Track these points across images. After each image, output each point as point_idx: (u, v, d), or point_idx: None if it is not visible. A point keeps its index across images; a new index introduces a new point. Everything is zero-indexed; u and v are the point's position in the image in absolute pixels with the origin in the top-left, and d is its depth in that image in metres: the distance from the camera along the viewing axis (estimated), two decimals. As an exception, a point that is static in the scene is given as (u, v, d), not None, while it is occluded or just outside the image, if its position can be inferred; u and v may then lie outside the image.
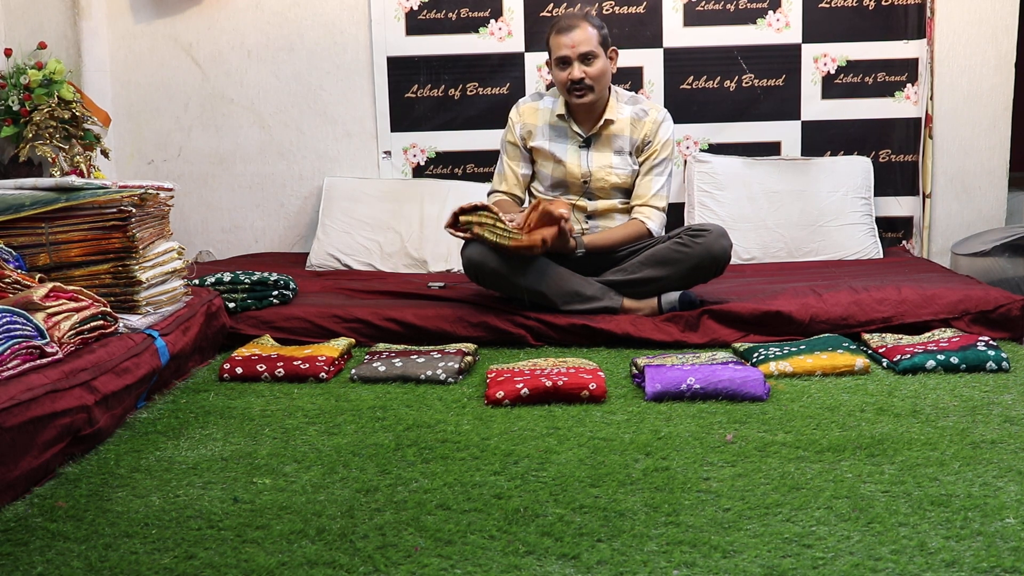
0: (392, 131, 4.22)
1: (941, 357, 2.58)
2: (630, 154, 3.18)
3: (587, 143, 3.18)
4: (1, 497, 1.76)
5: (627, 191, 3.21)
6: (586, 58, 3.06)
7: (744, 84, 4.13)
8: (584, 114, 3.18)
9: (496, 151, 3.38)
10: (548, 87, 4.13)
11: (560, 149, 3.19)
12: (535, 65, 4.14)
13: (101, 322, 2.32)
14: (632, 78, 4.10)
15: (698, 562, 1.50)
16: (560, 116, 3.19)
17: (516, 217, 2.93)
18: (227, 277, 3.13)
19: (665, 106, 4.12)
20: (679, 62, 4.12)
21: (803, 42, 4.10)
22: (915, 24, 4.07)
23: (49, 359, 2.04)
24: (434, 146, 4.22)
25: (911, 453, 1.96)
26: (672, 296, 3.03)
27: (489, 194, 3.32)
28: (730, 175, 4.03)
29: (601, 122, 3.16)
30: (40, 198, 2.45)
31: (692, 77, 4.14)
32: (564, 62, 3.08)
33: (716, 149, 4.16)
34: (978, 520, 1.62)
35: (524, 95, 4.11)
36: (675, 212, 4.19)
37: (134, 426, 2.25)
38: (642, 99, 3.25)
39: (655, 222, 3.15)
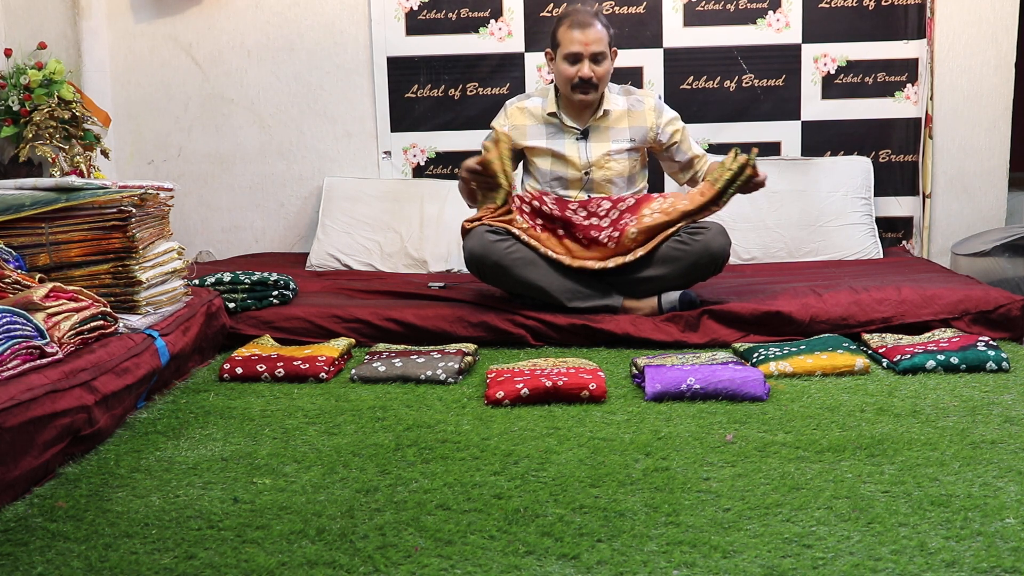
0: (392, 131, 4.22)
1: (941, 357, 2.58)
2: (631, 140, 3.20)
3: (584, 134, 3.19)
4: (1, 497, 1.76)
5: (626, 182, 3.22)
6: (597, 58, 3.08)
7: (744, 84, 4.13)
8: (577, 109, 3.20)
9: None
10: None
11: (558, 144, 3.20)
12: (535, 65, 4.14)
13: (101, 322, 2.32)
14: (632, 78, 4.10)
15: (698, 562, 1.50)
16: (551, 114, 3.20)
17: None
18: (227, 277, 3.13)
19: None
20: (679, 62, 4.12)
21: (803, 42, 4.10)
22: (915, 24, 4.07)
23: (49, 359, 2.04)
24: (434, 146, 4.22)
25: (911, 453, 1.96)
26: (672, 296, 3.03)
27: None
28: (730, 175, 4.02)
29: (600, 113, 3.18)
30: (40, 198, 2.46)
31: (692, 77, 4.14)
32: (575, 58, 3.09)
33: (716, 149, 4.15)
34: (978, 520, 1.62)
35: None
36: (675, 212, 4.20)
37: (134, 426, 2.25)
38: (631, 89, 3.28)
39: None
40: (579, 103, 3.16)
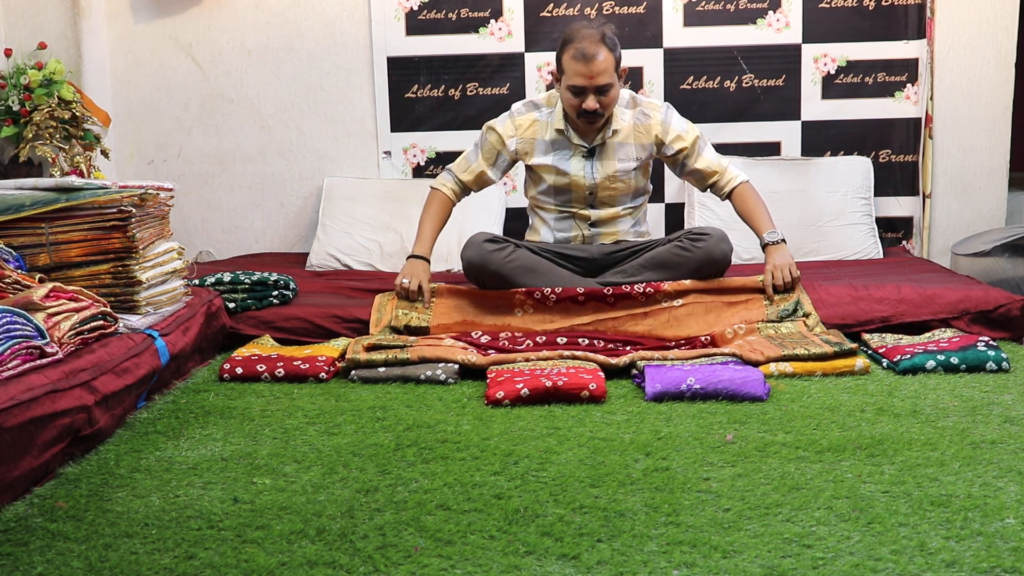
0: (392, 131, 4.22)
1: (941, 357, 2.58)
2: (637, 159, 3.12)
3: (591, 153, 3.11)
4: (1, 497, 1.76)
5: (632, 196, 3.19)
6: (602, 89, 2.97)
7: (744, 84, 4.13)
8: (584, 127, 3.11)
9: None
10: (548, 87, 4.13)
11: (563, 162, 3.11)
12: (535, 65, 4.14)
13: (101, 322, 2.32)
14: (632, 78, 4.10)
15: (698, 562, 1.50)
16: (559, 131, 3.11)
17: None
18: (227, 277, 3.13)
19: (665, 106, 4.13)
20: (679, 62, 4.12)
21: (803, 42, 4.10)
22: (915, 24, 4.07)
23: (49, 359, 2.04)
24: (434, 146, 4.22)
25: (911, 453, 1.96)
26: (672, 298, 3.03)
27: (446, 170, 3.24)
28: (730, 175, 4.02)
29: (609, 132, 3.09)
30: (40, 198, 2.46)
31: (692, 77, 4.14)
32: (579, 91, 2.98)
33: (716, 149, 4.14)
34: (978, 520, 1.62)
35: (524, 95, 4.12)
36: (675, 212, 4.19)
37: (134, 426, 2.25)
38: (639, 99, 3.17)
39: (740, 174, 3.19)
40: (584, 129, 3.08)
